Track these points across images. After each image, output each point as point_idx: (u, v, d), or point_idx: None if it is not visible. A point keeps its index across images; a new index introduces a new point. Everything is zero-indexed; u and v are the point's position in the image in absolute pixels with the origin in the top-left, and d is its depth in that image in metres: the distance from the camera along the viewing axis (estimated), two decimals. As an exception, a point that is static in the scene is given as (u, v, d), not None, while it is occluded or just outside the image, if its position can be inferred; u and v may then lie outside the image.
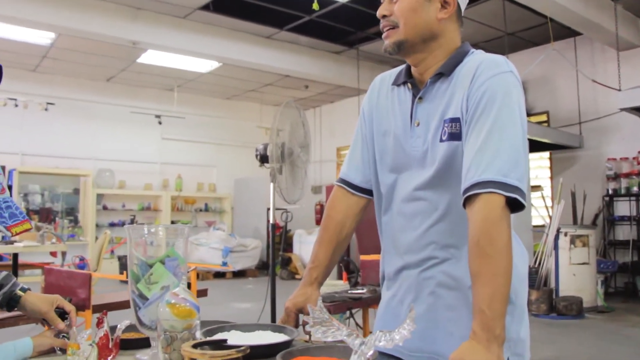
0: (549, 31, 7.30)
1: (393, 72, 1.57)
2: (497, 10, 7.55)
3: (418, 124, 1.43)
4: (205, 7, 7.76)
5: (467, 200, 1.24)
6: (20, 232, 1.13)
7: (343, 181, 1.63)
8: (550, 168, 9.24)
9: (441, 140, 1.36)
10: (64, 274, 3.58)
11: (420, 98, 1.44)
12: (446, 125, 1.36)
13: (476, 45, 1.46)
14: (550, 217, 7.21)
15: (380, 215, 1.57)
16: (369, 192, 1.61)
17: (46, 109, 10.35)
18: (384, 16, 1.43)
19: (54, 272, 3.65)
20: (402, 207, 1.46)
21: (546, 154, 9.23)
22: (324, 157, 12.98)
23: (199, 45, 8.52)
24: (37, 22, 7.26)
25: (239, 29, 8.70)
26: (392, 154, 1.49)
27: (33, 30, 7.97)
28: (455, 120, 1.34)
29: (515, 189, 1.21)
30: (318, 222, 11.75)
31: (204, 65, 9.97)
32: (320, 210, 11.84)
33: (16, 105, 10.03)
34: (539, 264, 7.00)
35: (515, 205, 1.23)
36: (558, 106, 9.01)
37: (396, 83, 1.52)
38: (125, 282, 1.47)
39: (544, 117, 9.21)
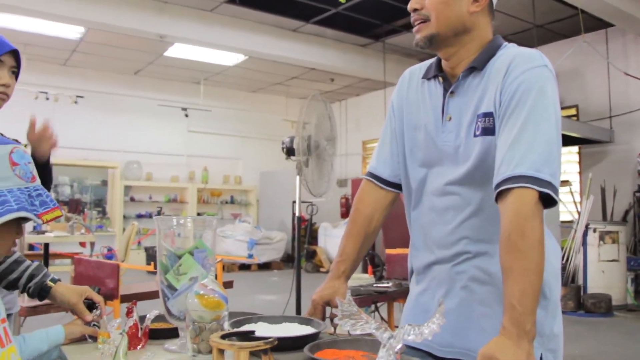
0: (578, 23, 7.17)
1: (423, 66, 1.56)
2: (526, 2, 7.44)
3: (450, 119, 1.41)
4: (232, 0, 7.78)
5: (499, 195, 1.23)
6: (51, 220, 1.13)
7: (371, 175, 1.62)
8: (579, 163, 9.09)
9: (475, 135, 1.35)
10: (92, 264, 3.64)
11: (452, 92, 1.42)
12: (479, 119, 1.34)
13: (505, 38, 1.44)
14: (579, 213, 7.10)
15: (409, 209, 1.56)
16: (397, 187, 1.60)
17: (76, 102, 10.52)
18: (415, 10, 1.40)
19: (83, 262, 3.71)
20: (434, 202, 1.45)
21: (575, 149, 9.08)
22: (350, 150, 12.95)
23: (226, 38, 8.56)
24: (67, 16, 7.37)
25: (265, 22, 8.71)
26: (423, 149, 1.48)
27: (63, 25, 8.09)
28: (488, 115, 1.32)
29: (548, 184, 1.19)
30: (343, 215, 11.74)
31: (230, 59, 10.01)
32: (345, 204, 11.82)
33: (47, 99, 10.20)
34: (567, 260, 6.90)
35: (547, 201, 1.21)
36: (588, 99, 8.85)
37: (427, 77, 1.51)
38: (153, 273, 1.49)
39: (573, 111, 9.05)
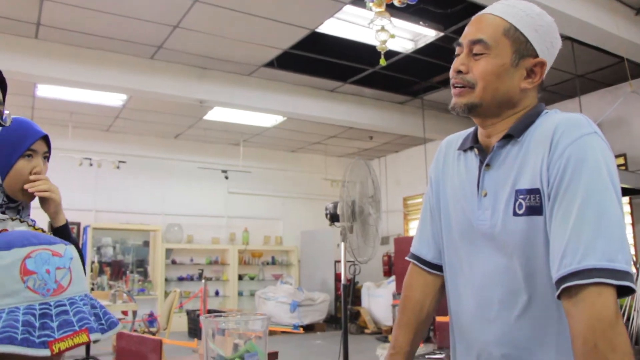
0: (620, 71, 7.00)
1: (460, 135, 1.44)
2: (567, 53, 7.32)
3: (485, 194, 1.27)
4: (270, 64, 7.88)
5: (565, 292, 1.05)
6: (68, 349, 0.81)
7: (415, 257, 1.50)
8: (631, 214, 8.71)
9: (515, 214, 1.19)
10: (135, 339, 3.55)
11: (487, 165, 1.28)
12: (521, 196, 1.19)
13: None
14: (637, 268, 6.73)
15: (448, 295, 1.41)
16: None
17: (118, 167, 10.70)
18: (459, 72, 1.28)
19: (125, 337, 3.63)
20: (475, 293, 1.29)
21: (625, 199, 8.72)
22: (391, 207, 12.77)
23: (264, 101, 8.64)
24: (110, 85, 7.57)
25: (303, 83, 8.79)
26: (459, 229, 1.34)
27: (107, 93, 8.32)
28: (534, 192, 1.17)
29: (626, 275, 1.01)
30: (386, 273, 11.48)
31: (269, 120, 10.10)
32: (388, 262, 11.57)
33: (90, 165, 10.42)
34: (628, 319, 6.49)
35: (623, 292, 1.04)
36: (636, 147, 8.54)
37: (462, 148, 1.39)
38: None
39: (621, 160, 8.73)
